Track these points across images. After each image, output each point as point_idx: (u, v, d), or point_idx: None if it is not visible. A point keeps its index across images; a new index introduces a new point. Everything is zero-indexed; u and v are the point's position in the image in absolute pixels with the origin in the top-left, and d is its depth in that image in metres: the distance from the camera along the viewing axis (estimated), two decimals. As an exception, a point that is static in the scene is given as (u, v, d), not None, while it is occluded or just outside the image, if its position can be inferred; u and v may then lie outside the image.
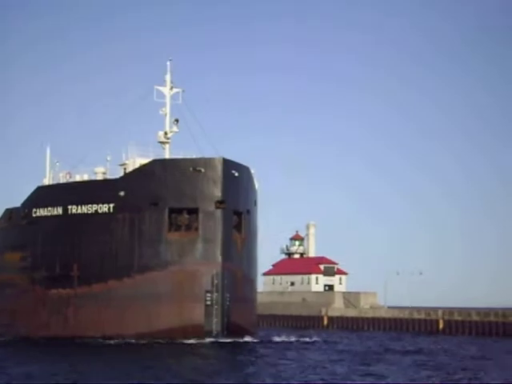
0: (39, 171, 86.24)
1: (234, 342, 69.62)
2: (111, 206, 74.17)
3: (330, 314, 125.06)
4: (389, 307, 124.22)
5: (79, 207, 75.69)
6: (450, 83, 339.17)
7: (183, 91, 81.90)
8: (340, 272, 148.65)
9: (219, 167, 72.47)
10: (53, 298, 76.37)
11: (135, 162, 77.62)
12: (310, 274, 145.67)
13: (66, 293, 75.43)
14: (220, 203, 72.45)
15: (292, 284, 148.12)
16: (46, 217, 78.21)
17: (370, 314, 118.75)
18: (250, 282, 79.17)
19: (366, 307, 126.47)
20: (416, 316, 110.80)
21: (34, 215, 79.37)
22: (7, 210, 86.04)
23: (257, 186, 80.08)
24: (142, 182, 73.65)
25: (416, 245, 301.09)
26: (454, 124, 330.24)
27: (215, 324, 71.01)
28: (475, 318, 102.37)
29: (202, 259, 71.98)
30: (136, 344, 67.94)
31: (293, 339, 79.34)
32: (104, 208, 74.44)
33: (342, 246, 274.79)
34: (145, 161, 76.35)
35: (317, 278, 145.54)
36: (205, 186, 72.57)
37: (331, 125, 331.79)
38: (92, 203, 74.95)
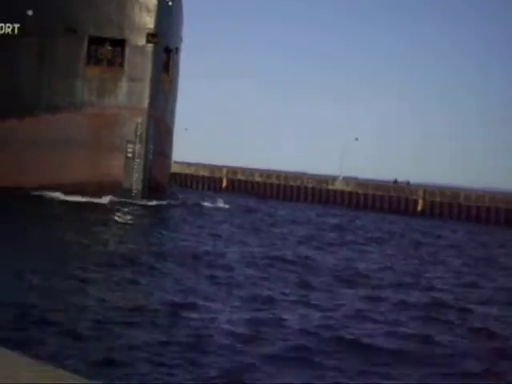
0: None
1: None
2: (16, 26, 59.88)
3: None
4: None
5: None
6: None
7: None
8: None
9: None
10: None
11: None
12: None
13: None
14: (152, 37, 59.76)
15: None
16: None
17: None
18: (171, 134, 67.87)
19: None
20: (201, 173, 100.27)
21: None
22: None
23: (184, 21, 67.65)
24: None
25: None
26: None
27: (135, 181, 59.58)
28: (258, 178, 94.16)
29: (126, 102, 59.70)
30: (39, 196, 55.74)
31: None
32: (7, 29, 60.07)
33: None
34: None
35: None
36: (136, 14, 59.42)
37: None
38: None
